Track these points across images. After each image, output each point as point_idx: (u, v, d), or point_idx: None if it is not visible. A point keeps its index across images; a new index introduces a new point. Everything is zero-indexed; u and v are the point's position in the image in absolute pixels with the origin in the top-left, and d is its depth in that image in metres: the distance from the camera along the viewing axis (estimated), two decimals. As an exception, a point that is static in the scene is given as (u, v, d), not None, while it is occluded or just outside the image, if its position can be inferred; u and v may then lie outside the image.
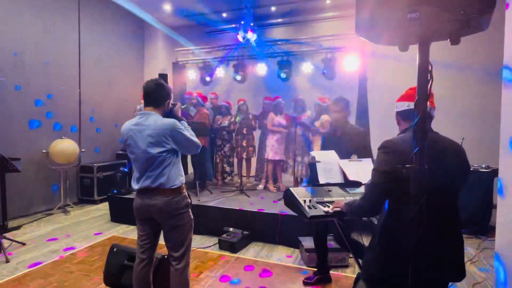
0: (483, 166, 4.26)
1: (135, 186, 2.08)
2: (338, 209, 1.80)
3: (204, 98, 5.73)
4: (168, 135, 2.00)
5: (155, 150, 1.98)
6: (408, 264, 1.07)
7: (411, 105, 1.48)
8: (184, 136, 2.04)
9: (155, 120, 2.01)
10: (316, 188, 2.21)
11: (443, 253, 1.36)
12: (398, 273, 1.27)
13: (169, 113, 2.15)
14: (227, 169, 5.83)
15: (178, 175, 2.07)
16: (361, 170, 2.30)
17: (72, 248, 3.70)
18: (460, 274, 1.39)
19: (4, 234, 3.70)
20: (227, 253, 3.60)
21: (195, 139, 2.10)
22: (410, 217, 1.02)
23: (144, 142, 1.99)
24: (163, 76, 2.28)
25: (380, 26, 1.01)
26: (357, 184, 2.24)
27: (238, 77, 6.67)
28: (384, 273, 1.41)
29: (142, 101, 2.18)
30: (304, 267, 3.27)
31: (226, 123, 5.65)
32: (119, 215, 4.69)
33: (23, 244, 3.73)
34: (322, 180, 2.32)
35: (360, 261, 1.80)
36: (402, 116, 1.55)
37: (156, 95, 2.07)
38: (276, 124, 5.23)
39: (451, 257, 1.38)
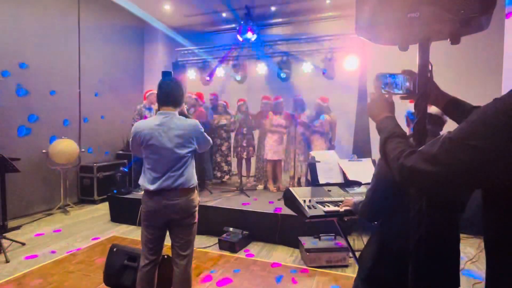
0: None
1: (150, 187, 2.01)
2: (348, 208, 1.79)
3: (201, 97, 5.73)
4: (195, 136, 2.07)
5: (183, 151, 2.02)
6: (402, 264, 1.07)
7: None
8: (204, 136, 2.14)
9: (181, 120, 2.06)
10: (316, 188, 2.20)
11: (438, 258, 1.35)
12: (393, 272, 1.27)
13: (180, 112, 2.17)
14: (225, 168, 5.83)
15: (193, 174, 2.13)
16: (361, 170, 2.30)
17: (72, 248, 3.70)
18: (454, 283, 1.37)
19: (4, 234, 3.69)
20: (227, 253, 3.60)
21: (208, 137, 2.21)
22: (411, 217, 1.02)
23: (171, 142, 2.00)
24: (168, 74, 2.28)
25: (380, 26, 1.01)
26: (357, 184, 2.23)
27: (238, 77, 6.67)
28: (380, 272, 1.41)
29: (154, 100, 2.19)
30: (304, 266, 3.27)
31: (224, 121, 5.66)
32: (119, 215, 4.69)
33: (23, 244, 3.73)
34: (322, 180, 2.32)
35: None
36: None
37: (176, 94, 2.09)
38: (275, 124, 5.22)
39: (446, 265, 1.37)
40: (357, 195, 2.04)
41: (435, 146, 0.76)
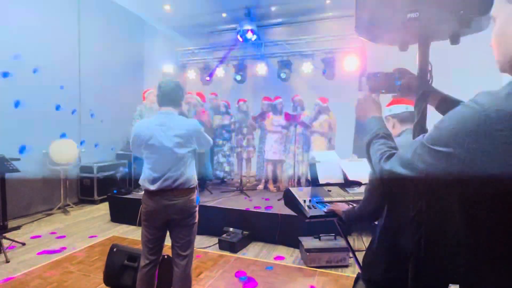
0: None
1: (151, 187, 2.01)
2: (335, 211, 1.79)
3: (203, 98, 5.73)
4: (195, 136, 2.08)
5: (182, 150, 2.03)
6: (402, 264, 1.07)
7: (409, 107, 1.50)
8: (204, 136, 2.16)
9: (181, 120, 2.06)
10: (316, 188, 2.20)
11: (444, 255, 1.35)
12: (400, 275, 1.27)
13: (180, 112, 2.19)
14: (227, 168, 5.84)
15: (193, 174, 2.13)
16: (361, 170, 2.30)
17: (72, 248, 3.70)
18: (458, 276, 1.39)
19: (4, 234, 3.69)
20: (227, 253, 3.60)
21: (209, 137, 2.22)
22: (410, 217, 1.02)
23: (171, 142, 2.00)
24: (168, 74, 2.31)
25: (380, 26, 1.01)
26: (357, 184, 2.23)
27: (238, 77, 6.68)
28: (385, 276, 1.41)
29: (153, 99, 2.20)
30: (304, 267, 3.27)
31: (226, 122, 5.66)
32: (119, 215, 4.69)
33: (23, 244, 3.73)
34: (322, 180, 2.32)
35: (360, 261, 1.79)
36: (399, 118, 1.56)
37: (175, 94, 2.10)
38: (275, 124, 5.23)
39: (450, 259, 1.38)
40: (357, 195, 2.04)
41: (410, 150, 0.78)
